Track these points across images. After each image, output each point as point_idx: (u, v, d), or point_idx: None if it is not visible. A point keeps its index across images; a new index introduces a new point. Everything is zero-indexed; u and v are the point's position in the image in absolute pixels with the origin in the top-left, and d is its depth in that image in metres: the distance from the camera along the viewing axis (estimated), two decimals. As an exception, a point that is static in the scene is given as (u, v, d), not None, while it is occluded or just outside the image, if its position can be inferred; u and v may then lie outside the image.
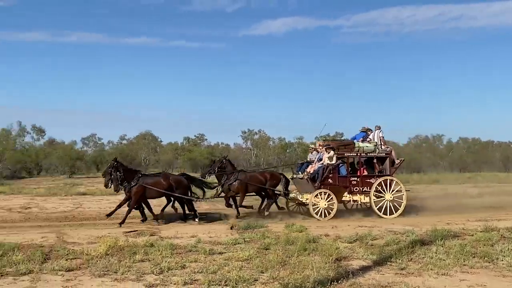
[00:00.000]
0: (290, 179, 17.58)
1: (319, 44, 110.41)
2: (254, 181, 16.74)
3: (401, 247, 10.35)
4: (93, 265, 8.75)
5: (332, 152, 16.57)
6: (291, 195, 17.20)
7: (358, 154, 17.08)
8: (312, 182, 16.45)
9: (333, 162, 16.55)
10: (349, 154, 17.02)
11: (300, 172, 17.50)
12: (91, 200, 21.67)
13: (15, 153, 48.26)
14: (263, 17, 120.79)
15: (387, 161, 17.18)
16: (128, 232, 12.79)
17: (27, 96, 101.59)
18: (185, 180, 15.74)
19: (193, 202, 15.66)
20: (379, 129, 17.52)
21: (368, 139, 17.48)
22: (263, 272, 8.38)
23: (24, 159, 48.88)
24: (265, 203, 17.03)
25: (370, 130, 17.74)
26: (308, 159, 18.17)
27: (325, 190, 16.19)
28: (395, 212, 16.49)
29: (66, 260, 9.12)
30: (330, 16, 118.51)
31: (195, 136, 70.07)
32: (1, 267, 8.49)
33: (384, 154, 17.24)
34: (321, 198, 16.06)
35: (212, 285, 7.62)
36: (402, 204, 16.71)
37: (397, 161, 17.59)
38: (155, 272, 8.31)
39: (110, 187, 15.02)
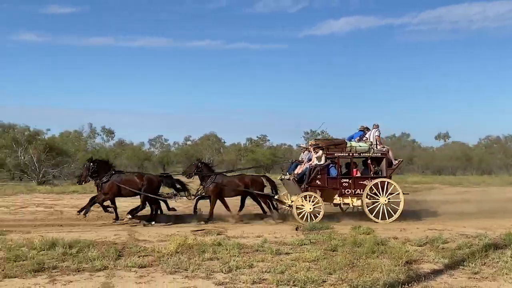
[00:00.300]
0: (280, 180, 17.17)
1: (383, 43, 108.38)
2: (231, 185, 16.00)
3: (474, 251, 9.99)
4: (164, 262, 8.98)
5: (320, 152, 15.76)
6: (275, 196, 16.33)
7: (351, 154, 16.13)
8: (298, 184, 15.76)
9: (322, 162, 15.77)
10: (339, 154, 16.03)
11: (288, 173, 16.80)
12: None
13: (86, 154, 50.20)
14: (325, 17, 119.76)
15: (384, 162, 16.21)
16: (196, 231, 13.04)
17: (97, 98, 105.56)
18: (157, 180, 15.80)
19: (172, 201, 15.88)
20: (377, 127, 16.62)
21: (364, 139, 16.59)
22: (331, 274, 8.33)
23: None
24: (270, 210, 16.13)
25: (368, 128, 16.81)
26: (300, 159, 17.42)
27: (311, 193, 15.38)
28: (391, 216, 15.43)
29: (139, 257, 9.40)
30: (394, 14, 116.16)
31: (257, 137, 70.55)
32: (77, 263, 8.86)
33: (379, 154, 16.25)
34: (307, 201, 15.19)
35: (281, 285, 7.65)
36: (399, 208, 15.61)
37: (395, 162, 16.52)
38: (224, 271, 8.44)
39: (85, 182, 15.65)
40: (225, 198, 16.12)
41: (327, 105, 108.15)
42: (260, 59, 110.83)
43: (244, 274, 8.27)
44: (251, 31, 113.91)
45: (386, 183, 15.76)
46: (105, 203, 15.37)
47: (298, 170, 16.22)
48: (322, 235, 12.05)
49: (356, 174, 16.19)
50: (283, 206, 16.57)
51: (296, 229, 13.38)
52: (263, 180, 16.39)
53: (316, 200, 15.20)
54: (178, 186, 16.08)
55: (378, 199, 15.54)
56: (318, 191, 15.80)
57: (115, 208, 15.59)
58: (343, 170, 16.59)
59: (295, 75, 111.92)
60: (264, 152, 62.20)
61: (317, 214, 15.07)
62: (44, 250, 9.87)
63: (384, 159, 16.16)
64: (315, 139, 16.86)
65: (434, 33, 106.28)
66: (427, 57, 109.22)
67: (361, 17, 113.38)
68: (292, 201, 15.59)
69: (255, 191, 15.96)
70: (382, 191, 15.58)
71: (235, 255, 9.61)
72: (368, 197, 15.61)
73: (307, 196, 15.23)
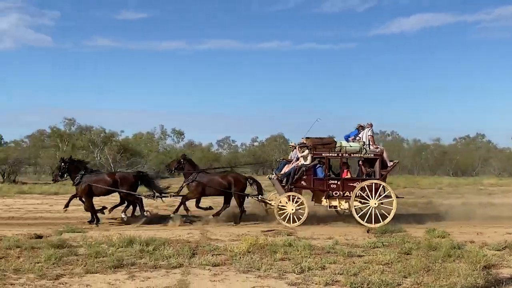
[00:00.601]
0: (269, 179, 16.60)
1: (456, 41, 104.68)
2: (214, 184, 15.56)
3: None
4: (237, 262, 9.12)
5: (306, 151, 15.14)
6: (260, 197, 15.77)
7: (340, 155, 15.34)
8: (281, 184, 15.33)
9: (308, 162, 15.14)
10: (328, 154, 15.24)
11: (274, 173, 16.21)
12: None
13: (158, 154, 51.76)
14: (395, 15, 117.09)
15: (377, 164, 15.26)
16: (266, 231, 13.14)
17: (168, 101, 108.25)
18: (131, 177, 15.62)
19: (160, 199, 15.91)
20: (370, 127, 15.74)
21: (357, 138, 15.73)
22: (406, 277, 8.17)
23: (166, 160, 52.22)
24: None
25: (363, 127, 15.88)
26: (289, 158, 16.81)
27: (294, 194, 14.86)
28: (382, 220, 14.42)
29: (212, 255, 9.60)
30: (467, 10, 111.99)
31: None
32: (154, 260, 9.16)
33: (372, 155, 15.29)
34: (290, 202, 14.68)
35: (354, 287, 7.58)
36: (391, 212, 14.63)
37: (389, 164, 15.58)
38: (296, 271, 8.46)
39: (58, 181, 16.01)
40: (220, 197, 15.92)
41: (400, 104, 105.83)
42: (329, 59, 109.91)
43: (316, 275, 8.26)
44: (320, 31, 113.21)
45: (377, 185, 14.86)
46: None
47: (285, 169, 15.81)
48: (395, 238, 11.86)
49: (347, 175, 15.46)
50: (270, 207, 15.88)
51: (368, 232, 13.21)
52: (246, 180, 15.95)
53: (299, 201, 14.70)
54: (155, 186, 15.99)
55: (368, 202, 14.73)
56: (312, 192, 15.62)
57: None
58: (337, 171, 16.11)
59: (365, 74, 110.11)
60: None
61: (300, 216, 14.62)
62: (122, 247, 10.27)
63: (378, 160, 15.26)
64: (307, 138, 15.70)
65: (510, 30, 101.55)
66: (502, 55, 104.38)
67: (432, 14, 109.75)
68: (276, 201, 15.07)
69: (236, 191, 15.45)
70: (373, 193, 14.74)
71: (307, 256, 9.61)
72: (358, 199, 14.85)
73: (291, 197, 14.76)
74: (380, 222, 14.35)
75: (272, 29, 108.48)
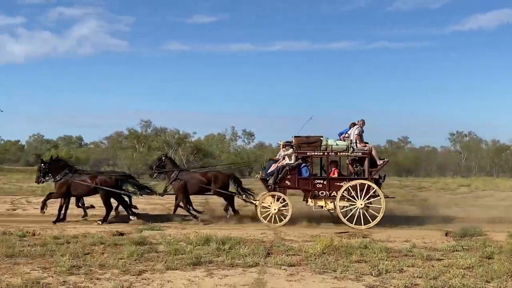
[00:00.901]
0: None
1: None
2: (195, 181, 15.54)
3: None
4: (312, 262, 9.14)
5: (290, 150, 14.85)
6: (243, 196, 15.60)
7: (326, 153, 14.90)
8: (266, 183, 15.11)
9: (292, 161, 14.82)
10: (313, 153, 14.87)
11: (262, 172, 15.77)
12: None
13: (229, 155, 52.56)
14: (472, 11, 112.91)
15: (366, 163, 14.76)
16: (340, 233, 13.05)
17: (239, 102, 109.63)
18: (110, 178, 15.53)
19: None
20: (359, 125, 15.23)
21: (346, 136, 15.27)
22: (488, 282, 7.88)
23: (237, 161, 52.95)
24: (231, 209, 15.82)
25: (355, 125, 15.36)
26: (277, 157, 16.23)
27: (277, 193, 14.63)
28: (371, 221, 14.15)
29: (287, 255, 9.66)
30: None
31: (398, 139, 68.45)
32: (231, 259, 9.34)
33: (360, 154, 14.82)
34: (274, 202, 14.49)
35: (434, 291, 7.42)
36: (380, 213, 14.26)
37: (379, 163, 14.98)
38: (373, 274, 8.36)
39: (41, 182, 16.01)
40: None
41: (477, 104, 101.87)
42: (402, 58, 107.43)
43: (394, 278, 8.12)
44: (391, 30, 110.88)
45: (365, 185, 14.42)
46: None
47: (272, 168, 15.46)
48: (475, 242, 11.44)
49: (334, 174, 15.08)
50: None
51: (446, 235, 12.83)
52: (227, 178, 15.84)
53: (283, 201, 14.56)
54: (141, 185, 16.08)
55: (354, 203, 14.34)
56: (304, 192, 15.27)
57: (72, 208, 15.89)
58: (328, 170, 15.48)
59: (438, 73, 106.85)
60: (406, 154, 60.18)
61: (282, 217, 14.52)
62: (199, 245, 10.53)
63: (366, 159, 14.81)
64: (295, 137, 15.37)
65: None
66: None
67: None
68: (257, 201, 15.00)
69: (216, 189, 15.45)
70: (360, 194, 14.32)
71: (384, 259, 9.46)
72: (346, 199, 14.47)
73: (274, 197, 14.61)
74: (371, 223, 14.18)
75: (343, 29, 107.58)
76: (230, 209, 15.92)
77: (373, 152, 15.03)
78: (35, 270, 8.39)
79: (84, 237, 11.66)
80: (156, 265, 8.86)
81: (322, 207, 14.87)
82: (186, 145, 44.52)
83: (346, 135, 15.33)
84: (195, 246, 10.43)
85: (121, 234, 12.21)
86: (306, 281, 8.01)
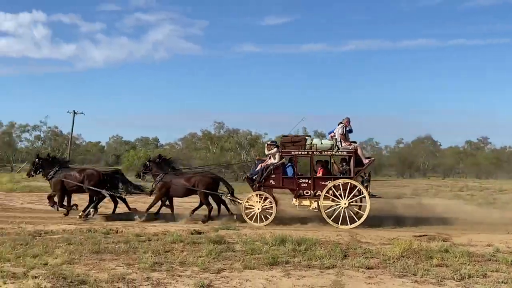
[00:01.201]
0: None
1: None
2: (177, 184, 15.55)
3: None
4: (391, 265, 8.98)
5: (274, 149, 14.87)
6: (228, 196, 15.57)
7: (311, 153, 14.61)
8: (250, 183, 15.16)
9: (276, 160, 14.78)
10: (297, 152, 14.68)
11: (245, 172, 15.27)
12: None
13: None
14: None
15: (351, 161, 14.61)
16: (419, 236, 12.72)
17: (309, 102, 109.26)
18: (98, 175, 15.86)
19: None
20: (346, 123, 15.15)
21: (331, 135, 15.21)
22: None
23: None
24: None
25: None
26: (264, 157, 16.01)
27: (261, 193, 14.66)
28: (355, 221, 14.10)
29: (365, 258, 9.53)
30: None
31: (477, 139, 65.76)
32: (307, 260, 9.35)
33: (345, 153, 14.70)
34: (258, 201, 14.53)
35: (522, 298, 7.10)
36: (365, 213, 14.16)
37: (365, 161, 14.77)
38: (455, 278, 8.11)
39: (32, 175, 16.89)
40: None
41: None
42: (481, 55, 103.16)
43: (478, 283, 7.86)
44: (469, 26, 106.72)
45: (348, 184, 14.31)
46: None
47: (258, 168, 15.40)
48: None
49: (320, 174, 14.98)
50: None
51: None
52: (212, 179, 15.79)
53: (267, 201, 14.59)
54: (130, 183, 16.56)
55: (339, 202, 14.31)
56: (292, 191, 15.03)
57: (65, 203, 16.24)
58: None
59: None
60: (486, 155, 57.68)
61: (267, 216, 14.55)
62: (275, 246, 10.60)
63: (352, 158, 14.65)
64: (284, 136, 15.44)
65: None
66: None
67: None
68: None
69: (201, 190, 15.34)
70: (344, 193, 14.23)
71: (465, 263, 9.16)
72: (331, 199, 14.43)
73: (258, 196, 14.67)
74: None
75: (418, 26, 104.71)
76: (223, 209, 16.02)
77: (359, 151, 14.96)
78: (120, 266, 8.76)
79: (163, 235, 12.04)
80: (234, 264, 9.01)
81: (307, 206, 14.91)
82: (258, 146, 44.86)
83: (333, 134, 15.34)
84: (271, 246, 10.50)
85: (199, 232, 12.49)
86: (386, 284, 7.90)
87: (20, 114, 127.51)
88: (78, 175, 15.97)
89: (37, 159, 16.80)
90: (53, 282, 7.50)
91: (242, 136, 51.30)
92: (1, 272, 7.98)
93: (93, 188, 15.79)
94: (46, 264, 8.63)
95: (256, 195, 14.82)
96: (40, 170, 16.58)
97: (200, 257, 9.43)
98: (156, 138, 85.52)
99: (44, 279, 7.61)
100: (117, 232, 12.57)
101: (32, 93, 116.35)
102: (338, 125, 15.29)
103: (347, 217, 14.33)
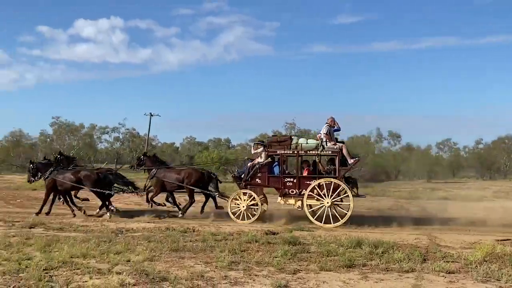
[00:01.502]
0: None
1: None
2: (170, 178, 16.32)
3: None
4: (473, 270, 8.66)
5: (261, 149, 15.42)
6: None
7: (296, 152, 14.84)
8: (236, 181, 15.72)
9: (262, 159, 15.26)
10: (283, 152, 14.99)
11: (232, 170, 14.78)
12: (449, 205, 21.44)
13: (374, 157, 51.53)
14: None
15: (336, 161, 14.78)
16: (502, 240, 12.18)
17: (384, 103, 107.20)
18: (94, 175, 16.18)
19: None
20: (330, 123, 15.27)
21: (318, 135, 15.42)
22: None
23: (382, 163, 51.68)
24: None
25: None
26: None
27: (247, 191, 15.14)
28: (338, 220, 14.34)
29: (445, 262, 9.23)
30: None
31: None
32: (385, 263, 9.18)
33: (330, 152, 14.87)
34: (244, 199, 14.99)
35: None
36: (348, 212, 14.33)
37: (350, 161, 14.80)
38: (545, 286, 7.73)
39: (33, 181, 17.30)
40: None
41: None
42: None
43: None
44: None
45: (332, 183, 14.52)
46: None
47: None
48: None
49: (306, 173, 15.26)
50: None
51: None
52: (201, 175, 16.57)
53: (253, 199, 14.99)
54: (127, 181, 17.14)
55: (322, 201, 14.58)
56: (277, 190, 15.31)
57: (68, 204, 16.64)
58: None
59: None
60: None
61: (254, 212, 15.02)
62: (351, 248, 10.49)
63: (337, 158, 14.80)
64: (273, 135, 15.97)
65: None
66: None
67: None
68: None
69: (189, 185, 16.09)
70: (328, 192, 14.47)
71: (556, 270, 8.68)
72: (315, 198, 14.66)
73: (243, 194, 15.13)
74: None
75: (497, 23, 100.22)
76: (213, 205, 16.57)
77: (344, 151, 14.97)
78: (198, 264, 8.97)
79: (238, 235, 12.21)
80: (310, 265, 9.00)
81: (292, 205, 15.21)
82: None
83: (319, 134, 15.62)
84: (347, 249, 10.40)
85: (273, 233, 12.57)
86: (468, 289, 7.63)
87: (100, 116, 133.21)
88: (73, 176, 16.32)
89: (31, 164, 17.22)
90: (136, 278, 7.78)
91: (313, 136, 51.09)
92: (88, 268, 8.37)
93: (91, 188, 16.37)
94: (129, 260, 8.98)
95: (243, 193, 15.26)
96: (38, 174, 16.92)
97: (276, 257, 9.48)
98: (227, 139, 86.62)
99: (128, 275, 7.92)
100: (194, 231, 12.87)
101: (111, 96, 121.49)
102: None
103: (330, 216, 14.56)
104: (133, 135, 71.40)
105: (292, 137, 15.60)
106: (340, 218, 14.50)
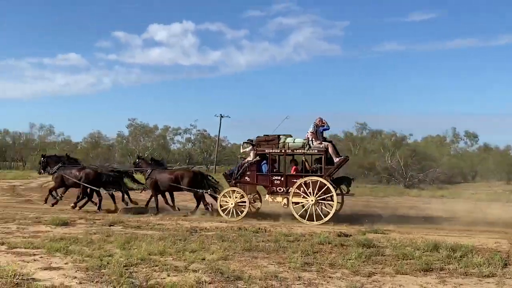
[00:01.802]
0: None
1: None
2: (164, 179, 16.89)
3: None
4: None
5: (249, 148, 15.89)
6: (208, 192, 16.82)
7: (283, 151, 15.28)
8: (227, 179, 16.16)
9: (251, 158, 15.72)
10: (271, 151, 15.41)
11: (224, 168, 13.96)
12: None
13: (450, 158, 49.82)
14: None
15: (322, 160, 15.07)
16: None
17: (460, 102, 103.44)
18: (93, 173, 17.28)
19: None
20: (317, 123, 15.56)
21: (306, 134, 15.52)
22: None
23: (459, 164, 49.82)
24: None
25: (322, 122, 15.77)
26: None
27: (236, 188, 15.61)
28: (322, 218, 14.75)
29: (529, 268, 8.82)
30: None
31: None
32: (464, 267, 8.87)
33: (316, 151, 15.17)
34: (232, 197, 15.52)
35: None
36: (331, 210, 14.89)
37: (336, 160, 15.01)
38: None
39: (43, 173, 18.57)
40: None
41: None
42: None
43: None
44: None
45: (317, 182, 14.80)
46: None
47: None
48: None
49: (292, 172, 15.61)
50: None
51: None
52: (195, 175, 17.08)
53: (241, 196, 15.44)
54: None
55: (307, 199, 14.92)
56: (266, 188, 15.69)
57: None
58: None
59: None
60: None
61: (242, 209, 15.42)
62: (427, 251, 10.21)
63: (323, 157, 15.08)
64: (265, 135, 15.98)
65: None
66: None
67: None
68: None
69: (183, 186, 16.67)
70: (313, 190, 14.76)
71: None
72: (302, 196, 14.97)
73: (233, 191, 15.58)
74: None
75: None
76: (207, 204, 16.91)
77: (330, 150, 15.18)
78: (271, 264, 9.02)
79: (310, 236, 12.18)
80: (385, 268, 8.83)
81: (279, 202, 15.58)
82: (403, 148, 43.39)
83: (306, 133, 15.71)
84: (424, 252, 10.14)
85: (346, 235, 12.44)
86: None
87: (172, 118, 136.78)
88: (77, 172, 17.53)
89: (42, 158, 18.64)
90: (212, 276, 7.94)
91: (386, 137, 50.06)
92: (165, 265, 8.63)
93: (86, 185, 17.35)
94: (204, 259, 9.18)
95: (232, 191, 15.74)
96: (46, 167, 18.28)
97: (350, 259, 9.36)
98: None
99: (203, 273, 8.09)
100: (265, 231, 12.96)
101: (182, 98, 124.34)
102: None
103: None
104: (204, 136, 72.81)
105: (280, 136, 15.85)
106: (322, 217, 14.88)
